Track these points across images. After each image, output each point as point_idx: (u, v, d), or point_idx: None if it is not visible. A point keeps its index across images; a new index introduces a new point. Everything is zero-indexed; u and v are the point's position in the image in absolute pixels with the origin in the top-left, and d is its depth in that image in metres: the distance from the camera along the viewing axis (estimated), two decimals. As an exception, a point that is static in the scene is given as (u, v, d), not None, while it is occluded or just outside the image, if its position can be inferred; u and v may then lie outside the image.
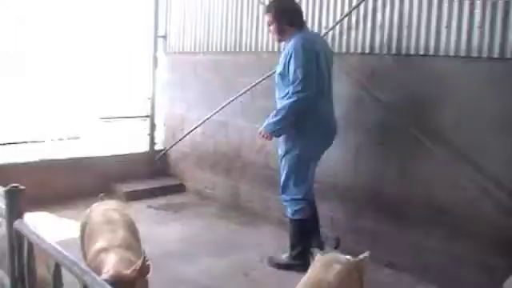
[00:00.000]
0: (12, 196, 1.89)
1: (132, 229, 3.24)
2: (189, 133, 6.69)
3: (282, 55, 4.35)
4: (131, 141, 7.71)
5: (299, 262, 4.31)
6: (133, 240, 2.99)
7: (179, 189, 6.94)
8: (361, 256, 3.04)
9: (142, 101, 7.75)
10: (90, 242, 2.90)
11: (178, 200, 6.56)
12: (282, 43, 4.67)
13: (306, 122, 4.29)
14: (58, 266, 1.61)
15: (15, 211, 1.88)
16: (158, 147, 7.30)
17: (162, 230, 5.41)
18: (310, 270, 3.01)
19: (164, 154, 7.22)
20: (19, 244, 1.86)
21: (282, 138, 4.45)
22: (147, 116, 7.46)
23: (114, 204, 3.64)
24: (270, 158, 5.57)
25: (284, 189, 4.50)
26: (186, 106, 6.86)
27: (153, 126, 7.27)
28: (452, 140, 4.12)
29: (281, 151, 4.50)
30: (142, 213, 5.96)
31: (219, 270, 4.43)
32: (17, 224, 1.86)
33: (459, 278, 4.01)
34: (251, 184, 6.00)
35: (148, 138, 7.28)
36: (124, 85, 9.68)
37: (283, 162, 4.48)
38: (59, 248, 1.65)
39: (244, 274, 4.34)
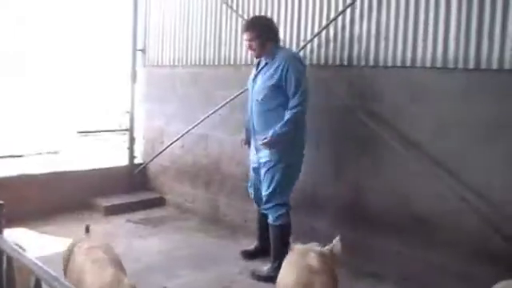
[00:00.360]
0: (-9, 211, 1.88)
1: (120, 266, 3.12)
2: (168, 146, 6.66)
3: (272, 68, 4.44)
4: (110, 155, 7.67)
5: None
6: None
7: (159, 202, 6.89)
8: (334, 241, 3.33)
9: (121, 114, 7.74)
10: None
11: (158, 214, 6.52)
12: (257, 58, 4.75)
13: (297, 133, 4.44)
14: (38, 281, 1.59)
15: (-6, 226, 1.86)
16: (137, 161, 7.25)
17: (142, 244, 5.37)
18: (285, 262, 3.27)
19: (143, 167, 7.17)
20: (-1, 260, 1.84)
21: (264, 149, 4.50)
22: (126, 130, 7.43)
23: (98, 241, 3.45)
24: (248, 170, 5.57)
25: (269, 197, 4.55)
26: (166, 119, 6.84)
27: (132, 140, 7.22)
28: (430, 150, 4.17)
29: (263, 161, 4.55)
30: (121, 227, 5.93)
31: (200, 283, 4.41)
32: (-4, 239, 1.84)
33: (440, 286, 4.04)
34: (230, 197, 5.99)
35: (127, 151, 7.22)
36: (102, 98, 9.65)
37: (268, 173, 4.53)
38: (39, 263, 1.63)
39: (224, 286, 4.32)
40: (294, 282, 3.03)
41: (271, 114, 4.45)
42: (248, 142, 4.96)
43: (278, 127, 4.34)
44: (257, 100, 4.55)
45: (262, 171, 4.61)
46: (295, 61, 4.48)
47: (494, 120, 3.82)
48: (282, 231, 4.54)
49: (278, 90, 4.40)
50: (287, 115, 4.34)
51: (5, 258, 1.80)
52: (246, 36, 4.58)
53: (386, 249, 4.46)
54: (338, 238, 3.38)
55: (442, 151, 4.12)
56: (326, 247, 3.32)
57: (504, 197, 3.81)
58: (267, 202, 4.59)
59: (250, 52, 4.87)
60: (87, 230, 3.52)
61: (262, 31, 4.52)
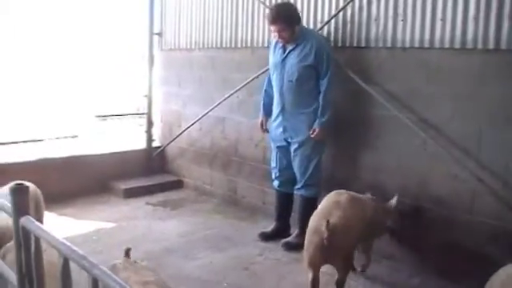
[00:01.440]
0: (18, 194, 1.92)
1: None
2: (186, 129, 6.70)
3: (306, 49, 4.62)
4: (128, 138, 7.74)
5: None
6: None
7: (177, 185, 6.96)
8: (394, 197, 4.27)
9: (138, 98, 7.78)
10: None
11: (176, 196, 6.59)
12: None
13: None
14: (66, 261, 1.63)
15: (21, 208, 1.91)
16: (155, 144, 7.32)
17: (161, 226, 5.44)
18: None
19: (161, 150, 7.24)
20: (26, 241, 1.89)
21: (296, 128, 4.77)
22: (143, 113, 7.47)
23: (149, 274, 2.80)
24: (267, 152, 5.60)
25: (312, 174, 4.78)
26: (183, 102, 6.88)
27: (150, 123, 7.28)
28: (447, 131, 4.16)
29: (299, 140, 4.76)
30: (140, 210, 6.01)
31: (220, 264, 4.47)
32: (23, 221, 1.88)
33: (456, 267, 4.05)
34: (248, 179, 6.03)
35: (145, 135, 7.29)
36: (120, 83, 9.70)
37: (305, 152, 4.76)
38: (67, 243, 1.67)
39: (244, 268, 4.37)
40: (318, 210, 3.84)
41: (306, 94, 4.70)
42: (265, 124, 5.13)
43: (320, 116, 4.63)
44: (290, 81, 4.70)
45: (298, 151, 4.78)
46: (326, 43, 4.79)
47: (511, 101, 3.79)
48: (314, 203, 4.66)
49: (312, 70, 4.62)
50: (322, 100, 4.61)
51: (33, 239, 1.85)
52: (274, 28, 4.66)
53: (403, 231, 4.47)
54: (396, 195, 4.24)
55: (459, 132, 4.10)
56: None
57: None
58: (306, 181, 4.80)
59: (272, 35, 4.88)
60: (127, 253, 2.91)
61: (290, 20, 4.64)
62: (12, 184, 1.99)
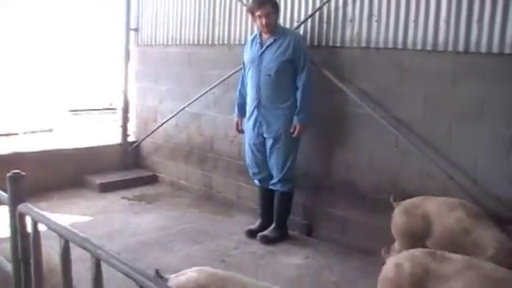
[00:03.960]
0: (15, 181, 1.99)
1: None
2: (162, 124, 6.75)
3: (285, 44, 4.72)
4: (103, 133, 7.74)
5: (285, 233, 5.05)
6: None
7: (152, 180, 7.01)
8: None
9: (114, 93, 7.79)
10: None
11: (152, 191, 6.64)
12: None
13: None
14: (66, 244, 1.71)
15: (19, 195, 1.97)
16: (130, 139, 7.34)
17: (137, 220, 5.49)
18: None
19: (137, 145, 7.27)
20: (22, 227, 1.96)
21: (272, 123, 4.84)
22: (114, 108, 7.49)
23: None
24: (242, 148, 5.69)
25: (288, 169, 4.87)
26: (159, 97, 6.92)
27: (125, 118, 7.30)
28: (419, 130, 4.31)
29: (275, 136, 4.84)
30: (116, 204, 6.05)
31: (197, 257, 4.53)
32: (21, 208, 1.95)
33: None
34: (224, 174, 6.12)
35: (120, 130, 7.31)
36: (95, 77, 9.67)
37: (280, 148, 4.84)
38: (68, 227, 1.75)
39: (221, 260, 4.47)
40: None
41: (283, 88, 4.78)
42: (241, 125, 5.21)
43: (300, 113, 4.72)
44: (267, 75, 4.77)
45: (274, 146, 4.86)
46: (303, 39, 4.94)
47: (480, 102, 3.95)
48: (290, 198, 4.98)
49: (289, 65, 4.73)
50: (300, 96, 4.71)
51: (31, 224, 1.92)
52: (261, 12, 4.69)
53: (376, 226, 4.62)
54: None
55: (430, 131, 4.26)
56: None
57: (489, 176, 3.96)
58: (285, 172, 4.87)
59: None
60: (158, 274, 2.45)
61: (276, 6, 4.82)
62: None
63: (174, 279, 2.43)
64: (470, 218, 3.42)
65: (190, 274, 2.49)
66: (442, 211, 3.56)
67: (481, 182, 4.00)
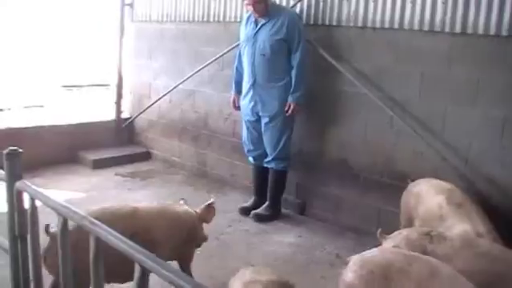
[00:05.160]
0: (12, 158, 1.99)
1: None
2: (156, 101, 6.73)
3: (278, 23, 4.72)
4: (96, 109, 7.71)
5: (278, 211, 5.11)
6: None
7: (146, 157, 7.02)
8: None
9: (108, 69, 7.74)
10: None
11: (145, 168, 6.65)
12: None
13: None
14: (65, 222, 1.72)
15: (16, 172, 1.97)
16: (124, 115, 7.32)
17: (131, 196, 5.49)
18: None
19: (130, 122, 7.26)
20: (20, 204, 1.96)
21: (267, 102, 4.86)
22: (107, 84, 7.44)
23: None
24: (236, 126, 5.71)
25: (282, 147, 4.91)
26: (153, 74, 6.89)
27: (119, 94, 7.26)
28: (414, 110, 4.33)
29: (270, 115, 4.86)
30: (109, 180, 6.06)
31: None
32: (19, 185, 1.95)
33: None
34: (218, 152, 6.13)
35: (114, 106, 7.28)
36: (89, 53, 9.59)
37: (276, 126, 4.87)
38: (66, 204, 1.76)
39: (215, 238, 4.49)
40: None
41: (278, 67, 4.79)
42: (238, 101, 5.20)
43: (294, 91, 4.74)
44: (262, 54, 4.78)
45: (269, 125, 4.88)
46: (299, 19, 4.90)
47: (475, 84, 3.97)
48: (283, 177, 5.01)
49: (284, 44, 4.71)
50: (295, 74, 4.72)
51: (29, 201, 1.92)
52: (248, 1, 4.71)
53: (369, 205, 4.66)
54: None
55: (425, 112, 4.28)
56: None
57: (481, 158, 4.00)
58: (276, 154, 4.92)
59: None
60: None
61: None
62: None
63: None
64: (450, 205, 3.40)
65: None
66: (429, 193, 3.59)
67: (473, 164, 4.03)
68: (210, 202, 3.70)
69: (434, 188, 3.64)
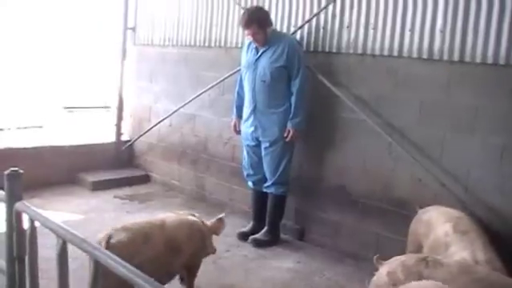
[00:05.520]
0: (12, 179, 2.00)
1: None
2: (156, 124, 6.76)
3: (279, 50, 4.76)
4: (96, 131, 7.72)
5: (277, 236, 5.09)
6: None
7: (145, 179, 7.02)
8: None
9: (108, 92, 7.77)
10: None
11: (144, 190, 6.64)
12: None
13: None
14: (64, 244, 1.72)
15: (16, 193, 1.98)
16: (124, 138, 7.34)
17: (130, 219, 5.39)
18: None
19: (130, 144, 7.27)
20: (18, 225, 1.96)
21: (267, 127, 4.89)
22: (108, 107, 7.47)
23: None
24: (235, 150, 5.73)
25: (282, 172, 4.92)
26: (154, 97, 6.93)
27: (120, 117, 7.29)
28: (413, 136, 4.35)
29: (270, 140, 4.89)
30: (108, 203, 6.04)
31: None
32: (19, 206, 1.95)
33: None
34: (217, 176, 6.13)
35: (114, 128, 7.30)
36: (91, 75, 9.65)
37: (275, 152, 4.89)
38: (66, 227, 1.76)
39: (212, 262, 4.47)
40: None
41: (278, 94, 4.83)
42: (238, 126, 5.22)
43: (294, 117, 4.78)
44: (262, 81, 4.82)
45: (269, 149, 4.90)
46: (299, 45, 4.94)
47: (474, 111, 3.99)
48: (283, 202, 5.02)
49: (284, 71, 4.75)
50: (295, 101, 4.76)
51: (28, 222, 1.93)
52: (248, 32, 4.78)
53: (367, 231, 4.66)
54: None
55: (423, 138, 4.30)
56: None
57: (480, 185, 4.00)
58: (276, 179, 4.93)
59: (244, 36, 5.05)
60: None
61: (262, 23, 4.76)
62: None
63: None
64: (456, 233, 3.39)
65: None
66: (439, 221, 3.58)
67: (473, 191, 4.04)
68: (220, 216, 3.96)
69: (443, 216, 3.63)
